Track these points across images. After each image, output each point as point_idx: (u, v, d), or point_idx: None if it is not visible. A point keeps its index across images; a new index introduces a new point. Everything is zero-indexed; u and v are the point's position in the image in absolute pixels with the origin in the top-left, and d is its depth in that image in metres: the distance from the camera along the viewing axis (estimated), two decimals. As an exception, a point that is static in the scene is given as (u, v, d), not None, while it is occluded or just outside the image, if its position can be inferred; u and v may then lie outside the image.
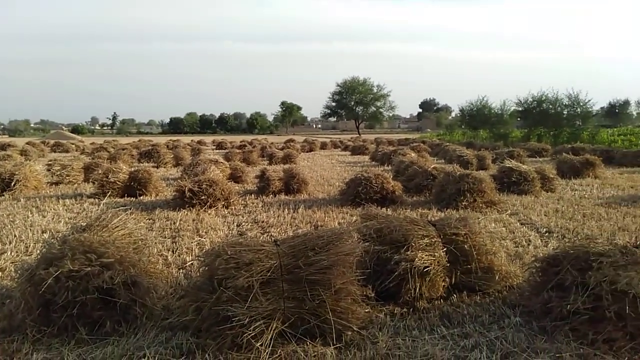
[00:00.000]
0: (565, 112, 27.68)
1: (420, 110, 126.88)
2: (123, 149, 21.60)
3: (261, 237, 5.98)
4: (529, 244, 5.41)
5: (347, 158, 21.57)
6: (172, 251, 5.29)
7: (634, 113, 67.85)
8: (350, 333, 3.07)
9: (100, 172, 10.02)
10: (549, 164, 13.52)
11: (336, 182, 11.31)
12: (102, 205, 8.34)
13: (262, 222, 6.90)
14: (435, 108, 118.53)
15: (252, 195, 9.35)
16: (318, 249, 3.13)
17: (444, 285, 3.76)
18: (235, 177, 11.67)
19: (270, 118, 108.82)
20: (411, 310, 3.56)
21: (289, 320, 2.98)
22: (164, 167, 16.47)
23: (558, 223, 6.46)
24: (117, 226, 4.09)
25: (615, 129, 36.15)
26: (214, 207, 7.86)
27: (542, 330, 3.17)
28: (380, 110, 73.01)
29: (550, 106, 27.95)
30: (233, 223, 6.88)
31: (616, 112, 56.66)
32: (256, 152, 20.17)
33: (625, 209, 7.41)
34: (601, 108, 49.77)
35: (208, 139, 47.53)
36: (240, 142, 32.41)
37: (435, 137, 43.39)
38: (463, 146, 21.34)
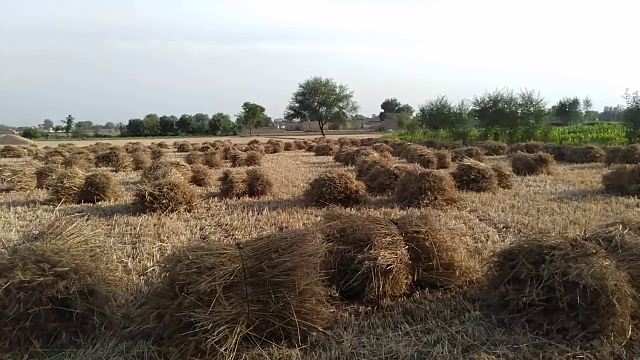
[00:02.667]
0: (519, 111, 28.76)
1: (382, 110, 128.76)
2: (79, 153, 20.79)
3: (225, 241, 5.90)
4: (487, 240, 5.59)
5: (311, 159, 21.61)
6: (133, 257, 5.14)
7: (583, 111, 71.55)
8: (315, 334, 3.07)
9: (54, 177, 9.59)
10: (505, 161, 14.06)
11: (300, 183, 11.31)
12: (56, 211, 8.00)
13: (226, 225, 6.81)
14: (396, 108, 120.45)
15: (215, 198, 9.21)
16: (281, 251, 3.12)
17: (406, 283, 3.83)
18: (197, 180, 11.47)
19: (233, 119, 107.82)
20: (375, 308, 3.61)
21: (253, 323, 2.96)
22: (123, 171, 15.99)
23: (514, 218, 6.70)
24: (72, 233, 3.93)
25: (565, 127, 37.86)
26: (175, 210, 7.70)
27: (501, 323, 3.28)
28: (343, 110, 73.55)
29: (506, 105, 28.98)
30: (196, 227, 6.76)
31: (566, 110, 59.41)
32: (219, 154, 19.90)
33: (575, 203, 7.77)
34: (553, 107, 52.03)
35: (169, 141, 46.51)
36: (203, 144, 31.84)
37: (397, 136, 44.14)
38: (424, 145, 21.82)
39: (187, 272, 2.85)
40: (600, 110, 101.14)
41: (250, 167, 13.02)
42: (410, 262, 3.88)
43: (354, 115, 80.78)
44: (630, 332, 3.01)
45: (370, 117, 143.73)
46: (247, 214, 7.49)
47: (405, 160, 17.14)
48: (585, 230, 3.89)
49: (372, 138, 38.27)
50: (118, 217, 7.34)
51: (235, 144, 31.79)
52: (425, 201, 7.77)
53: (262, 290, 3.01)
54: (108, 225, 6.84)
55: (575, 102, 61.04)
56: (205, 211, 7.97)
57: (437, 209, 7.49)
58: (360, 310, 3.57)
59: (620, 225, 3.77)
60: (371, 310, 3.58)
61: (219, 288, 2.85)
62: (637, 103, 20.60)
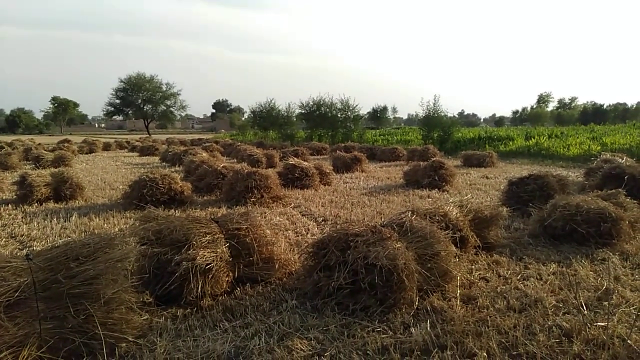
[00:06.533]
0: (339, 115, 31.38)
1: (214, 111, 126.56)
2: None
3: (19, 254, 5.05)
4: (307, 233, 5.94)
5: (134, 159, 20.01)
6: None
7: (391, 117, 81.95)
8: (125, 345, 2.85)
9: None
10: (327, 161, 15.17)
11: (120, 186, 10.39)
12: None
13: (22, 235, 5.85)
14: (228, 109, 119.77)
15: (10, 206, 7.84)
16: (83, 259, 2.81)
17: (227, 280, 3.82)
18: (-16, 186, 9.60)
19: (40, 116, 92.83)
20: (195, 309, 3.51)
21: (47, 343, 2.59)
22: None
23: (332, 212, 7.27)
24: None
25: (377, 130, 42.72)
26: (-50, 223, 6.30)
27: (314, 308, 3.52)
28: (171, 109, 69.67)
29: (327, 110, 31.31)
30: (-21, 241, 5.64)
31: (378, 116, 67.26)
32: (17, 154, 17.00)
33: (382, 196, 8.82)
34: (367, 112, 58.43)
35: (-54, 139, 37.78)
36: (-4, 143, 26.74)
37: (229, 137, 43.88)
38: (254, 146, 22.13)
39: (-48, 293, 2.35)
40: (405, 117, 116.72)
41: (58, 169, 11.44)
42: (231, 259, 3.89)
43: (183, 114, 77.30)
44: (417, 303, 3.53)
45: (202, 117, 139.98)
46: (51, 222, 6.55)
47: (235, 160, 17.14)
48: (381, 218, 4.44)
49: (202, 138, 37.30)
50: None
51: (40, 144, 27.62)
52: (252, 199, 7.89)
53: (59, 305, 2.66)
54: None
55: (385, 109, 69.28)
56: (-7, 222, 6.71)
57: (263, 207, 7.69)
58: (178, 314, 3.44)
59: (410, 212, 4.40)
60: (190, 312, 3.48)
61: (0, 308, 2.42)
62: (429, 111, 24.36)
